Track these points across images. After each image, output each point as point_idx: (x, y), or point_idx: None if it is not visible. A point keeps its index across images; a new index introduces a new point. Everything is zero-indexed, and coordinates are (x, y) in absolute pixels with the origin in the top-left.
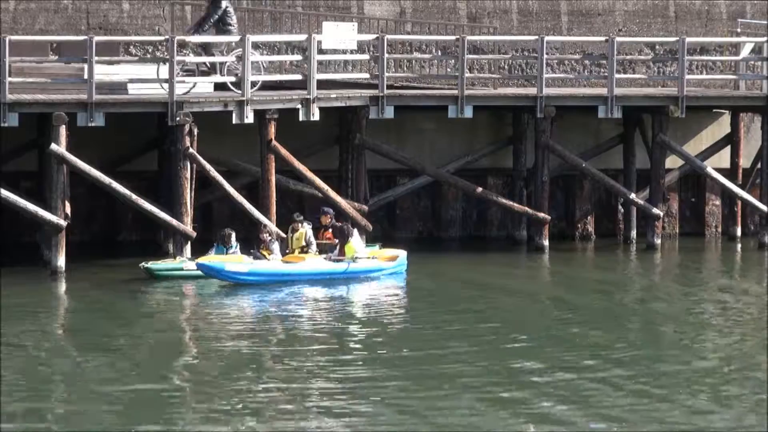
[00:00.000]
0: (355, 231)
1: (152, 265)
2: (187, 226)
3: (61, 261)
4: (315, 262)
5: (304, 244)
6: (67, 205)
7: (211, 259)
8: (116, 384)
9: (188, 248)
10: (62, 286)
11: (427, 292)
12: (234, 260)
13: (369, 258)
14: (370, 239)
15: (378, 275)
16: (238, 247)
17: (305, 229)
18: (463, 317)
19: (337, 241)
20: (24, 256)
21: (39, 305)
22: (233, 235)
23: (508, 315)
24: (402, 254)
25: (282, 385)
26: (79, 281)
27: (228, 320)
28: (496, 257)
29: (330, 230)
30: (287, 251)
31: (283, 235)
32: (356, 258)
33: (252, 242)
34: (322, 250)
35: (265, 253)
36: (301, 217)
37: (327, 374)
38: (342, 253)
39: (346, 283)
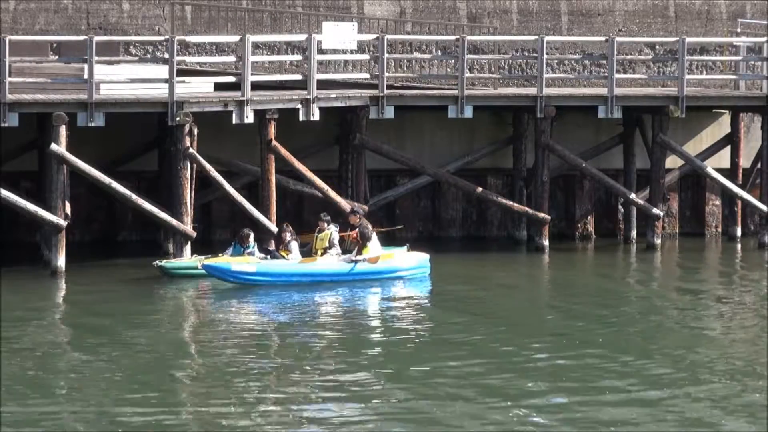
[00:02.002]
0: (374, 234)
1: (167, 263)
2: (187, 226)
3: (61, 261)
4: (326, 263)
5: (327, 245)
6: (67, 205)
7: (218, 260)
8: (116, 383)
9: (188, 248)
10: (62, 286)
11: (436, 294)
12: (241, 260)
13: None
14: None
15: (397, 277)
16: (256, 247)
17: (330, 231)
18: (480, 320)
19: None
20: (24, 256)
21: (39, 305)
22: (251, 235)
23: (517, 316)
24: (425, 257)
25: (288, 388)
26: (79, 281)
27: (233, 320)
28: (496, 257)
29: (357, 230)
30: (312, 251)
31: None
32: (363, 260)
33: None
34: (349, 250)
35: (284, 253)
36: (328, 218)
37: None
38: (359, 255)
39: (357, 285)
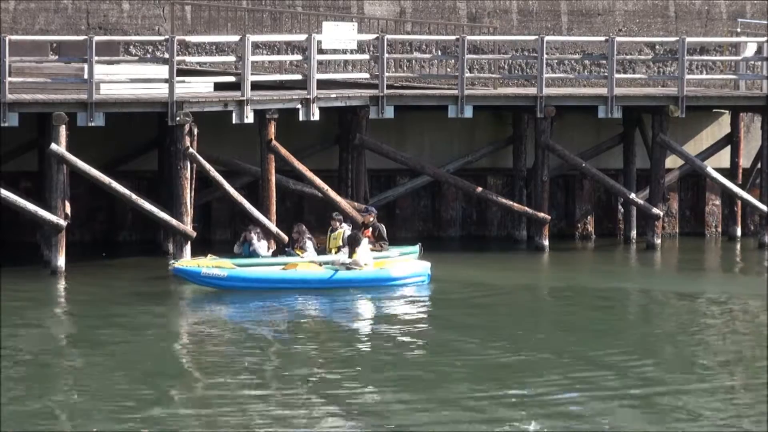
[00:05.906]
0: (365, 240)
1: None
2: (187, 226)
3: (61, 261)
4: (304, 270)
5: (340, 244)
6: (67, 205)
7: (188, 263)
8: (115, 384)
9: (188, 248)
10: (62, 286)
11: (433, 295)
12: (211, 264)
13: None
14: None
15: (386, 286)
16: (262, 243)
17: (343, 230)
18: (480, 327)
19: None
20: (24, 256)
21: (39, 305)
22: (257, 232)
23: (517, 320)
24: (424, 266)
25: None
26: (79, 281)
27: (228, 324)
28: (496, 257)
29: (370, 229)
30: (326, 250)
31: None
32: (345, 264)
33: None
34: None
35: (299, 252)
36: (340, 217)
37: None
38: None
39: (338, 292)
